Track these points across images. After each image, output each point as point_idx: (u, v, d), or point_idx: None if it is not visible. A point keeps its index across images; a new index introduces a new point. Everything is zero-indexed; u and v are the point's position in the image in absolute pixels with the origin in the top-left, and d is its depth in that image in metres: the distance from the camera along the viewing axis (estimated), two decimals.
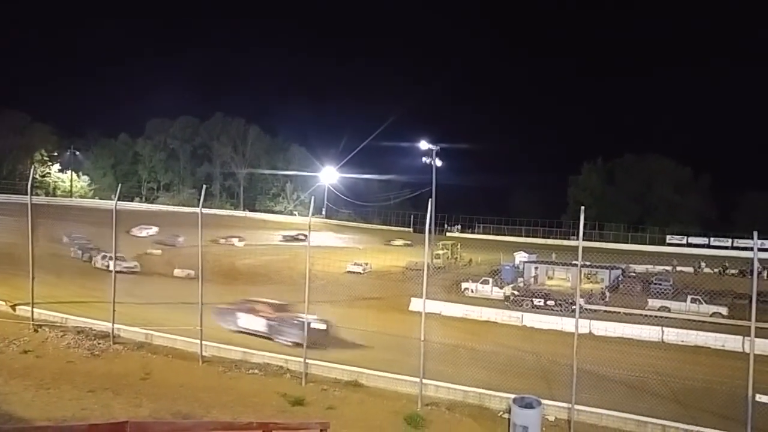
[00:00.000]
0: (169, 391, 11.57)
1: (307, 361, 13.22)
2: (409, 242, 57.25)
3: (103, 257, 32.25)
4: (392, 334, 20.68)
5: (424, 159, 44.59)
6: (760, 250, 11.28)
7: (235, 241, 48.55)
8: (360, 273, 38.50)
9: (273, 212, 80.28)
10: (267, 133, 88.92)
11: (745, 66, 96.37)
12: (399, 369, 13.18)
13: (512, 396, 10.81)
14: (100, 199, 65.87)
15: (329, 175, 75.80)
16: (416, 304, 23.80)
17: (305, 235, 53.72)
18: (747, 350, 10.29)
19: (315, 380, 13.10)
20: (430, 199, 13.59)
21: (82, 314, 17.30)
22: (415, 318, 18.40)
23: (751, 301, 10.52)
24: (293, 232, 56.22)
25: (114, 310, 15.27)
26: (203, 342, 14.36)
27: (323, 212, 74.53)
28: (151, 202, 75.71)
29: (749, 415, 9.75)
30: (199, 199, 15.28)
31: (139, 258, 35.00)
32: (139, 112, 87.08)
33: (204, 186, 17.30)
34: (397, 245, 57.30)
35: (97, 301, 19.18)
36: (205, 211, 16.08)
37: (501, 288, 32.33)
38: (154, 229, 42.68)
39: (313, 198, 18.95)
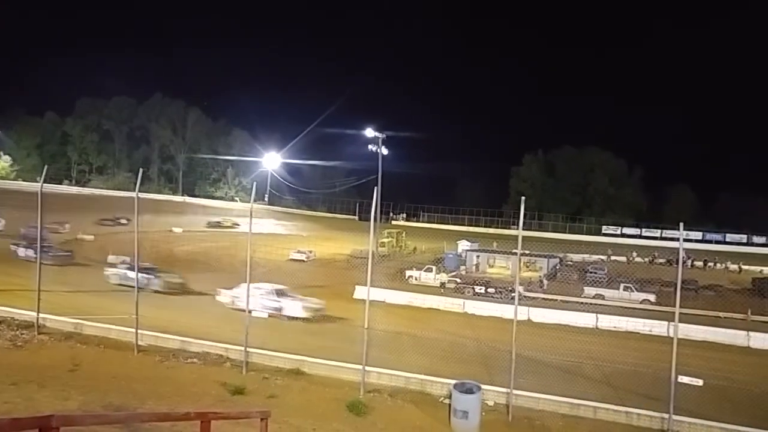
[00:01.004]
0: (101, 383, 11.04)
1: (248, 349, 12.95)
2: (237, 223, 54.62)
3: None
4: (335, 322, 20.67)
5: (369, 146, 44.41)
6: (685, 240, 11.95)
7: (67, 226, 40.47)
8: (303, 261, 38.18)
9: (213, 198, 78.17)
10: (208, 117, 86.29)
11: (677, 61, 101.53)
12: (342, 357, 13.12)
13: (453, 382, 10.99)
14: (24, 181, 61.86)
15: (272, 161, 74.31)
16: (360, 292, 23.83)
17: (129, 219, 48.89)
18: (672, 334, 10.89)
19: (256, 369, 12.87)
20: (375, 188, 13.51)
21: (4, 303, 16.22)
22: (359, 306, 18.37)
23: (676, 289, 11.13)
24: (111, 216, 48.08)
25: (39, 299, 14.39)
26: (139, 331, 13.78)
27: (266, 198, 73.18)
28: (83, 186, 71.95)
29: (672, 395, 10.35)
30: (135, 183, 14.54)
31: (69, 244, 33.28)
32: (68, 91, 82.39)
33: (141, 170, 16.47)
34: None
35: (20, 289, 18.02)
36: (142, 195, 15.34)
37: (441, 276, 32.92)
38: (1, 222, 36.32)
39: (255, 184, 18.47)
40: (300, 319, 20.18)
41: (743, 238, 63.35)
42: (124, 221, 45.59)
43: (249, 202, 15.89)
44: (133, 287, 22.24)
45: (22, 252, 29.06)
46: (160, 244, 34.71)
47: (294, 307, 20.35)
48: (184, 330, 15.28)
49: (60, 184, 64.17)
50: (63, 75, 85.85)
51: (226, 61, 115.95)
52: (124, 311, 14.43)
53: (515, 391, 11.26)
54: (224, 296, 20.69)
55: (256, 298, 19.91)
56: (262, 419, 6.85)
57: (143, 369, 12.55)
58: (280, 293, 21.05)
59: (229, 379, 11.88)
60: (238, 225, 54.24)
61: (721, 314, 24.91)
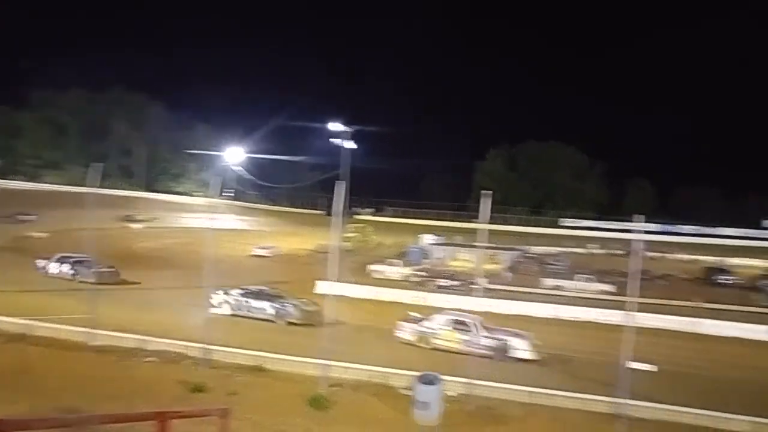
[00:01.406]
0: (53, 385, 10.69)
1: (208, 346, 12.75)
2: (155, 216, 55.14)
3: None
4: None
5: (334, 140, 44.01)
6: (643, 232, 12.34)
7: None
8: (266, 256, 37.83)
9: (175, 193, 76.48)
10: (170, 111, 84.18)
11: (640, 59, 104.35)
12: (306, 352, 13.05)
13: (415, 374, 11.06)
14: None
15: (235, 156, 72.82)
16: (321, 287, 23.72)
17: (36, 214, 44.28)
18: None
19: (217, 366, 12.69)
20: (337, 182, 13.46)
21: None
22: (321, 301, 18.31)
23: (631, 279, 11.49)
24: (9, 212, 43.98)
25: None
26: (95, 330, 13.40)
27: (222, 193, 71.72)
28: (36, 181, 69.24)
29: (624, 381, 10.71)
30: (92, 178, 14.07)
31: (18, 241, 32.08)
32: (20, 82, 79.04)
33: (96, 164, 15.87)
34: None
35: None
36: (101, 191, 14.88)
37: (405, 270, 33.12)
38: None
39: (220, 179, 18.09)
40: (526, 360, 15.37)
41: (698, 229, 65.80)
42: (28, 217, 42.86)
43: (211, 197, 15.59)
44: (256, 318, 18.51)
45: (54, 268, 24.79)
46: (117, 241, 33.81)
47: (522, 344, 15.55)
48: None
49: (6, 179, 61.66)
50: (14, 66, 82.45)
51: (189, 56, 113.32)
52: (78, 311, 14.00)
53: (475, 381, 11.44)
54: (407, 331, 16.75)
55: (457, 334, 16.05)
56: (221, 417, 6.76)
57: (99, 369, 12.21)
58: (488, 328, 16.30)
59: (189, 377, 11.66)
60: (156, 218, 55.39)
61: (674, 302, 25.82)
